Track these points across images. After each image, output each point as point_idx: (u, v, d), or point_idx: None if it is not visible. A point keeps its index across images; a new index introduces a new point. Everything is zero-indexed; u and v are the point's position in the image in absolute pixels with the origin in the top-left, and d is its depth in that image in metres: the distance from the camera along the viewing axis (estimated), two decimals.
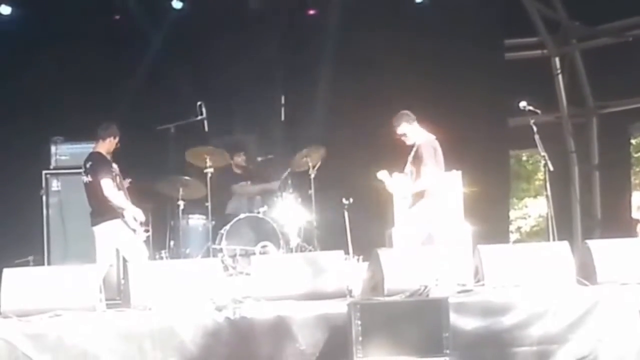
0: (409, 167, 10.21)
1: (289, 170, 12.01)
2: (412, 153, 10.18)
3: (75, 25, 12.76)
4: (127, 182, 10.40)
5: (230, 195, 12.42)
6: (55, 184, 11.69)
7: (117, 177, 10.21)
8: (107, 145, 10.24)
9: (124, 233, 10.05)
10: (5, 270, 8.29)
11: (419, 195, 10.02)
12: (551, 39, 14.55)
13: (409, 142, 10.26)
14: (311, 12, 14.34)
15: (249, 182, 12.45)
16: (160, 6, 13.59)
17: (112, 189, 10.00)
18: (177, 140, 11.81)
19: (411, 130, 10.27)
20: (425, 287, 8.29)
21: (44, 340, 7.52)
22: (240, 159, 12.64)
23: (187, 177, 11.60)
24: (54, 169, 11.73)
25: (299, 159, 11.91)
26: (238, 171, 12.64)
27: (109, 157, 10.19)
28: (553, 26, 14.54)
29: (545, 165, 9.89)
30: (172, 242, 11.67)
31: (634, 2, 13.26)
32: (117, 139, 10.26)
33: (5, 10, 12.96)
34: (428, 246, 9.69)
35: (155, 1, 13.64)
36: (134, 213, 10.03)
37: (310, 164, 11.82)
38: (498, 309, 8.08)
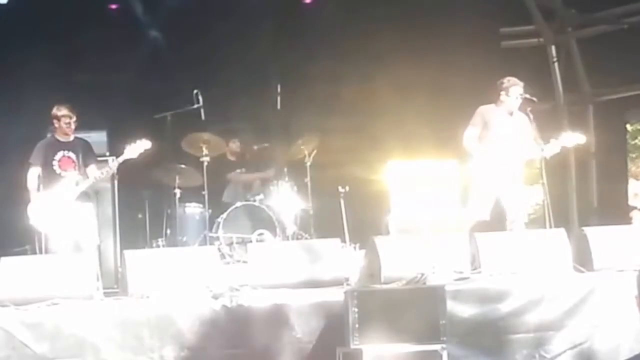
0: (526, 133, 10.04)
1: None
2: (526, 121, 10.01)
3: (71, 14, 12.72)
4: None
5: (226, 183, 12.42)
6: None
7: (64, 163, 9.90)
8: (57, 129, 9.99)
9: None
10: (3, 259, 8.32)
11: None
12: (547, 26, 14.51)
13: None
14: (307, 0, 14.33)
15: (243, 170, 12.45)
16: None
17: (29, 174, 9.85)
18: (174, 128, 11.80)
19: None
20: (422, 274, 8.32)
21: (41, 328, 7.56)
22: (234, 145, 12.62)
23: (183, 165, 11.60)
24: None
25: (295, 147, 11.92)
26: (233, 158, 12.63)
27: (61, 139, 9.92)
28: (549, 14, 14.51)
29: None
30: (168, 230, 11.67)
31: None
32: (62, 120, 9.85)
33: (1, 0, 12.91)
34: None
35: None
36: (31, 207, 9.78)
37: (306, 152, 11.83)
38: (495, 297, 8.12)
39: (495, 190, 9.85)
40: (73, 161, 9.86)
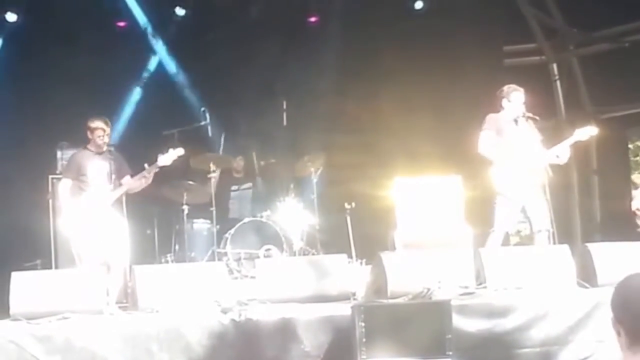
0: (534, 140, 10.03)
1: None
2: (529, 126, 10.04)
3: (80, 31, 12.81)
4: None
5: (233, 199, 12.52)
6: None
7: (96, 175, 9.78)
8: (90, 140, 9.86)
9: None
10: (14, 274, 8.36)
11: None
12: (549, 45, 14.63)
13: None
14: (312, 19, 14.44)
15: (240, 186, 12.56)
16: (164, 13, 13.70)
17: (60, 186, 9.86)
18: (181, 145, 11.84)
19: None
20: (428, 289, 8.38)
21: (52, 342, 7.57)
22: (237, 164, 12.71)
23: (191, 182, 11.70)
24: (60, 173, 11.80)
25: (302, 163, 12.01)
26: (238, 175, 12.73)
27: (94, 151, 9.81)
28: (551, 33, 14.62)
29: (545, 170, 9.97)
30: (177, 246, 11.76)
31: (629, 8, 13.35)
32: (95, 133, 9.73)
33: (12, 17, 13.03)
34: None
35: (159, 8, 13.74)
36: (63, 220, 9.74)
37: (312, 169, 11.93)
38: (500, 311, 8.16)
39: (519, 199, 9.87)
40: (106, 173, 9.76)
